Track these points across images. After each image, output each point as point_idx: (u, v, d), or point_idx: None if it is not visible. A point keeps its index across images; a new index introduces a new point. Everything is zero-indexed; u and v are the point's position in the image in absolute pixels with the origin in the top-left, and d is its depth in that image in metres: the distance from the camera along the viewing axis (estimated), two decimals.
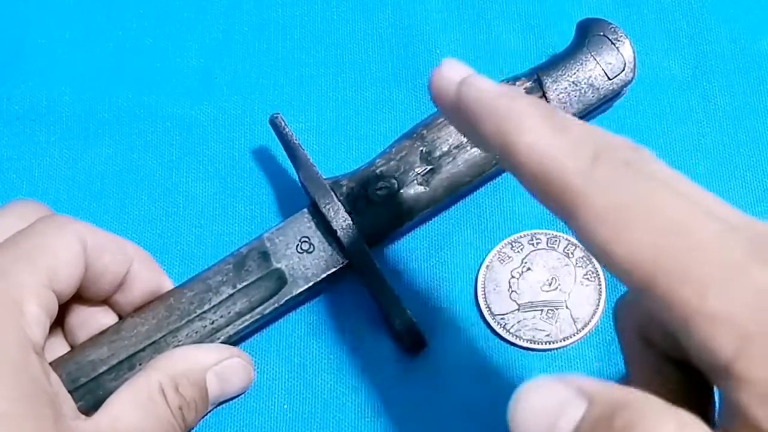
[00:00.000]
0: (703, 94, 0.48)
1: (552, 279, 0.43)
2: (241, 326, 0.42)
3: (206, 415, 0.41)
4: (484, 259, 0.44)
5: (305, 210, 0.44)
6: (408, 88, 0.49)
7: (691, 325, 0.22)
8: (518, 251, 0.44)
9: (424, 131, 0.44)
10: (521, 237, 0.45)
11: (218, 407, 0.42)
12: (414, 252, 0.45)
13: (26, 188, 0.48)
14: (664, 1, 0.51)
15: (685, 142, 0.47)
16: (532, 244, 0.44)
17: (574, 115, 0.44)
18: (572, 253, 0.44)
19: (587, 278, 0.43)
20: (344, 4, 0.52)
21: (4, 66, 0.51)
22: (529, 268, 0.44)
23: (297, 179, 0.47)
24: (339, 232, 0.42)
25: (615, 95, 0.45)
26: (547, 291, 0.43)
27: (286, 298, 0.42)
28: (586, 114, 0.45)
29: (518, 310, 0.43)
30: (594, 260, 0.44)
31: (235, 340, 0.42)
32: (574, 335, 0.42)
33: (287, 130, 0.44)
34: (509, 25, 0.51)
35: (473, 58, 0.50)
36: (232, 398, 0.42)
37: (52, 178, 0.48)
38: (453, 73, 0.30)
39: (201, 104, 0.50)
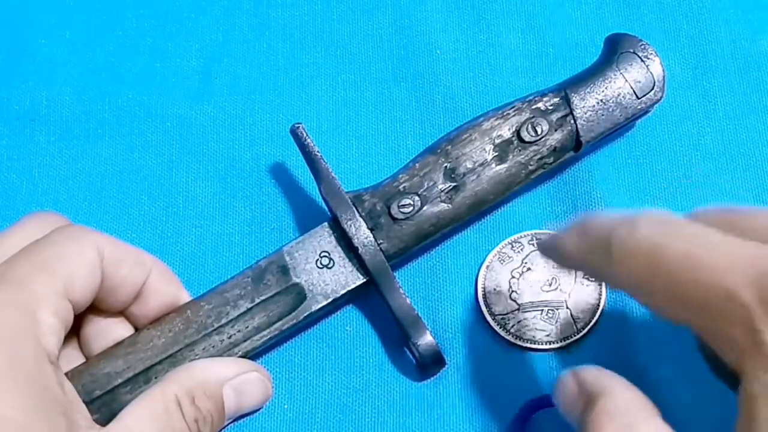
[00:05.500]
0: (703, 94, 0.48)
1: (552, 279, 0.43)
2: (258, 342, 0.41)
3: (221, 430, 0.41)
4: (484, 259, 0.44)
5: (325, 224, 0.43)
6: (408, 88, 0.49)
7: None
8: (518, 251, 0.44)
9: (449, 147, 0.43)
10: (521, 237, 0.45)
11: (234, 422, 0.42)
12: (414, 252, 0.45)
13: (26, 188, 0.48)
14: (664, 1, 0.51)
15: (685, 142, 0.47)
16: (532, 244, 0.44)
17: (602, 134, 0.43)
18: None
19: (587, 278, 0.43)
20: (344, 4, 0.52)
21: (4, 66, 0.51)
22: (529, 268, 0.44)
23: (296, 177, 0.47)
24: (360, 249, 0.41)
25: (642, 114, 0.44)
26: (547, 291, 0.43)
27: (304, 314, 0.42)
28: (613, 132, 0.44)
29: (518, 310, 0.43)
30: None
31: (252, 356, 0.42)
32: (574, 335, 0.42)
33: (309, 140, 0.43)
34: (509, 25, 0.51)
35: (473, 58, 0.50)
36: (248, 413, 0.42)
37: (52, 178, 0.48)
38: None
39: (201, 104, 0.50)
